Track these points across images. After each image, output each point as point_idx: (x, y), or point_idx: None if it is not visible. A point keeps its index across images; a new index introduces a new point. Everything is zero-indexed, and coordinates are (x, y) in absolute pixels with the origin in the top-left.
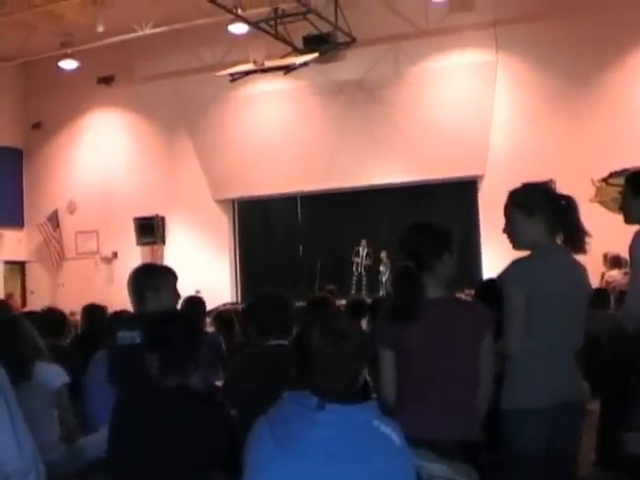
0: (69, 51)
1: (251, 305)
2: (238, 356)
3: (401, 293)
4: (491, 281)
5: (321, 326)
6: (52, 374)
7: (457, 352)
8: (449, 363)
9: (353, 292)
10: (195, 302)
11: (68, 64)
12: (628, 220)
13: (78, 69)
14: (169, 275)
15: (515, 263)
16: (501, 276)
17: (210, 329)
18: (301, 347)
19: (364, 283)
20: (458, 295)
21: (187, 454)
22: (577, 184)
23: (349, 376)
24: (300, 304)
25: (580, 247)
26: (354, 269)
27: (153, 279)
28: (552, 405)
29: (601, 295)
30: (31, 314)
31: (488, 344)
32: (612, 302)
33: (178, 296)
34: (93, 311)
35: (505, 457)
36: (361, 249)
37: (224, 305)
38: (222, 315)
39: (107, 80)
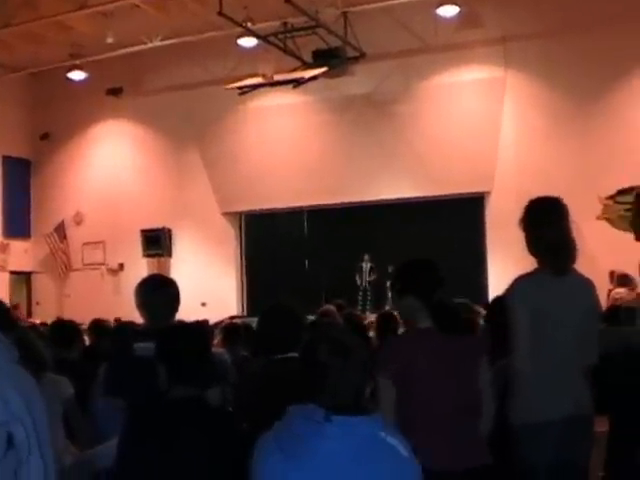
0: (78, 62)
1: (262, 318)
2: (248, 369)
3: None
4: (501, 298)
5: (327, 341)
6: (59, 385)
7: (456, 380)
8: (449, 392)
9: (359, 307)
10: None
11: (77, 75)
12: (639, 237)
13: (87, 80)
14: (172, 287)
15: (518, 280)
16: (505, 294)
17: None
18: (308, 361)
19: (369, 298)
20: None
21: (198, 465)
22: (584, 201)
23: (355, 390)
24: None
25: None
26: (358, 284)
27: (159, 291)
28: (559, 419)
29: (612, 312)
30: (42, 325)
31: (485, 370)
32: None
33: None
34: (98, 326)
35: (515, 472)
36: (364, 264)
37: (230, 318)
38: (229, 328)
39: (116, 92)
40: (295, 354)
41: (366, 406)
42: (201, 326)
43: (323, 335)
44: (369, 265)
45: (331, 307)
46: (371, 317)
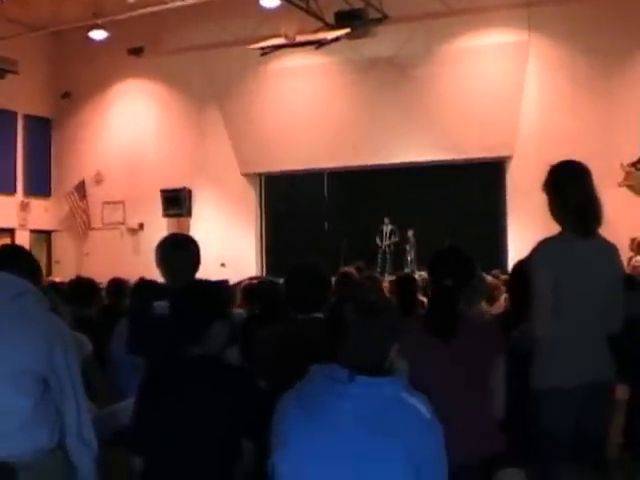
0: (99, 21)
1: (288, 277)
2: (271, 329)
3: (441, 309)
4: (523, 262)
5: (353, 300)
6: (78, 343)
7: (472, 372)
8: (465, 383)
9: (378, 270)
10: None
11: (98, 34)
12: None
13: (108, 39)
14: (193, 246)
15: (542, 243)
16: (528, 257)
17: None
18: (333, 321)
19: (388, 261)
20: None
21: (214, 424)
22: (606, 168)
23: (379, 350)
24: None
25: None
26: (379, 246)
27: (179, 250)
28: (580, 385)
29: (630, 278)
30: (61, 284)
31: (501, 369)
32: None
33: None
34: (117, 285)
35: (534, 436)
36: (384, 227)
37: (250, 279)
38: (248, 289)
39: (137, 51)
40: (319, 315)
41: (389, 368)
42: (216, 285)
43: (351, 294)
44: (389, 228)
45: (351, 269)
46: (389, 279)
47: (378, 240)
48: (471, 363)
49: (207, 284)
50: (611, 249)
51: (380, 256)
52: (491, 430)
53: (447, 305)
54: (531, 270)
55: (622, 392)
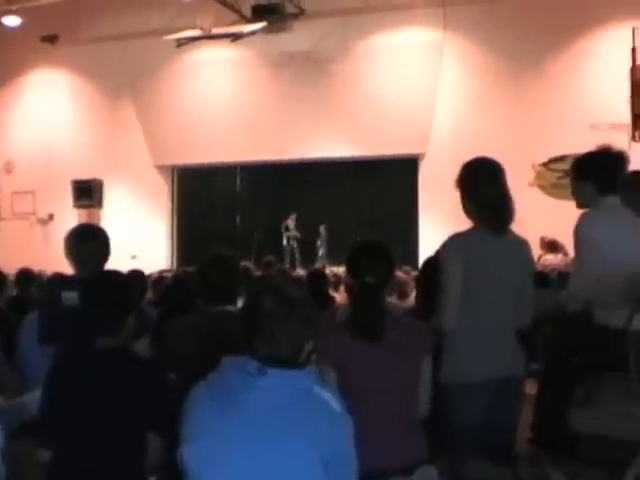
0: (13, 7)
1: (202, 267)
2: (182, 321)
3: (366, 310)
4: (434, 257)
5: (272, 291)
6: None
7: (402, 373)
8: (394, 386)
9: (287, 265)
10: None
11: (11, 20)
12: (579, 204)
13: (21, 26)
14: (101, 236)
15: (452, 238)
16: (438, 252)
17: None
18: (251, 312)
19: (297, 256)
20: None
21: (122, 416)
22: (518, 167)
23: (294, 343)
24: None
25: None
26: (284, 242)
27: (88, 240)
28: (490, 380)
29: (541, 276)
30: None
31: (427, 368)
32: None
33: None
34: (25, 275)
35: (445, 431)
36: (290, 222)
37: (160, 272)
38: (160, 282)
39: (51, 39)
40: (231, 307)
41: (302, 362)
42: (127, 276)
43: (269, 285)
44: (294, 222)
45: (249, 264)
46: (300, 272)
47: (283, 235)
48: (401, 364)
49: (119, 275)
50: (523, 245)
51: (287, 250)
52: (418, 434)
53: (372, 305)
54: (441, 265)
55: (530, 387)
